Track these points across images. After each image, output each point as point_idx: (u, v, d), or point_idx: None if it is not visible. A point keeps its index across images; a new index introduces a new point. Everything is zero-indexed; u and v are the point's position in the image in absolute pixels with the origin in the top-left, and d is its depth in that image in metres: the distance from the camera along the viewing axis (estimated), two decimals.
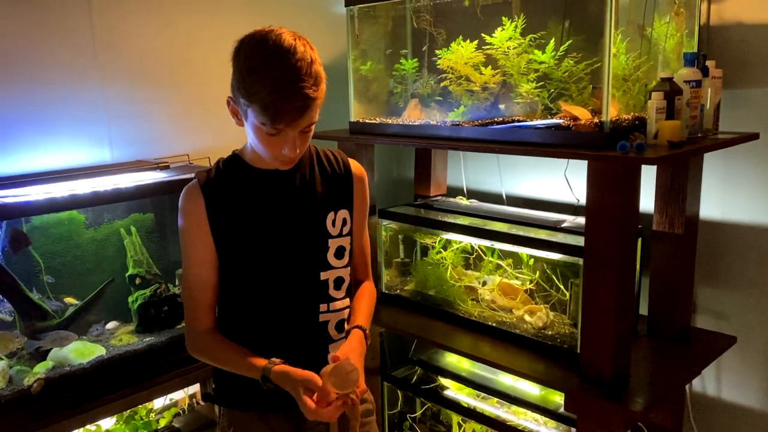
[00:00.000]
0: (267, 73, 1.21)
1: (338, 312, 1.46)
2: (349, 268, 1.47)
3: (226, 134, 2.44)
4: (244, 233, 1.36)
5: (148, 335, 1.97)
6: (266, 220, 1.37)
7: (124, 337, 1.94)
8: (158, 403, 2.22)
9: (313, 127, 1.31)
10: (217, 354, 1.39)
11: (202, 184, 1.36)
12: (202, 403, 2.34)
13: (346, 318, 1.48)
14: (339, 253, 1.43)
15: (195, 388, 2.33)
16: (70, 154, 2.08)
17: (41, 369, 1.75)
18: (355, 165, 1.49)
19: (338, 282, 1.45)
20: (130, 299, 2.02)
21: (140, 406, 2.03)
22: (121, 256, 2.04)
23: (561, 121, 1.81)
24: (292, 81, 1.21)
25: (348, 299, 1.49)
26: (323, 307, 1.43)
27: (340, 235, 1.43)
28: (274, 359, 1.30)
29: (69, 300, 1.94)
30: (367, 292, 1.55)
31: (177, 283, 2.13)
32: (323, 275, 1.42)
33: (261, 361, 1.30)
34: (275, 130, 1.25)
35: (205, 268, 1.38)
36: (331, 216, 1.42)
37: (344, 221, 1.44)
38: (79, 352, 1.81)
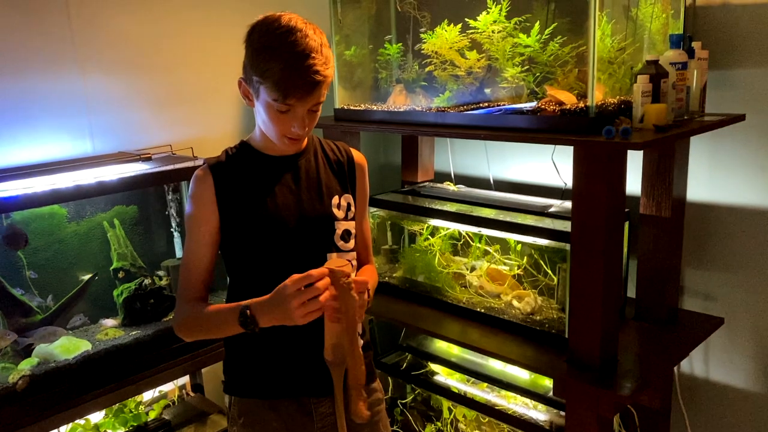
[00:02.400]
0: (280, 50, 1.28)
1: None
2: (355, 252, 1.51)
3: (208, 125, 2.41)
4: (252, 215, 1.40)
5: (135, 329, 1.95)
6: (274, 203, 1.41)
7: (110, 331, 1.92)
8: (148, 395, 2.21)
9: (320, 107, 1.37)
10: (200, 316, 1.37)
11: (212, 167, 1.42)
12: (192, 394, 2.34)
13: None
14: (345, 236, 1.47)
15: (185, 380, 2.32)
16: (51, 146, 2.05)
17: (26, 366, 1.73)
18: (356, 153, 1.56)
19: None
20: (115, 293, 2.00)
21: (129, 399, 2.02)
22: (104, 250, 2.02)
23: (535, 104, 1.80)
24: (304, 57, 1.27)
25: None
26: None
27: (346, 218, 1.48)
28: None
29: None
30: (369, 268, 1.59)
31: (162, 275, 2.11)
32: (331, 257, 1.44)
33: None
34: (286, 107, 1.31)
35: (205, 249, 1.41)
36: (335, 199, 1.47)
37: (348, 206, 1.49)
38: (65, 347, 1.80)
